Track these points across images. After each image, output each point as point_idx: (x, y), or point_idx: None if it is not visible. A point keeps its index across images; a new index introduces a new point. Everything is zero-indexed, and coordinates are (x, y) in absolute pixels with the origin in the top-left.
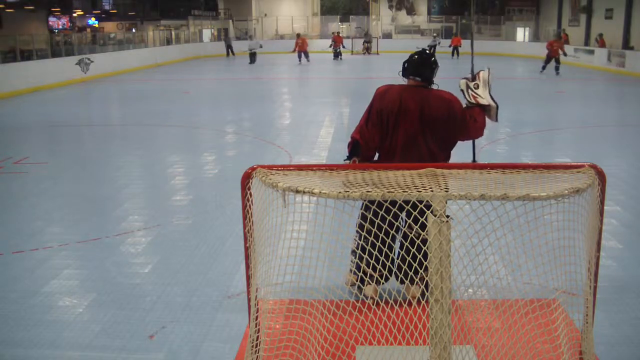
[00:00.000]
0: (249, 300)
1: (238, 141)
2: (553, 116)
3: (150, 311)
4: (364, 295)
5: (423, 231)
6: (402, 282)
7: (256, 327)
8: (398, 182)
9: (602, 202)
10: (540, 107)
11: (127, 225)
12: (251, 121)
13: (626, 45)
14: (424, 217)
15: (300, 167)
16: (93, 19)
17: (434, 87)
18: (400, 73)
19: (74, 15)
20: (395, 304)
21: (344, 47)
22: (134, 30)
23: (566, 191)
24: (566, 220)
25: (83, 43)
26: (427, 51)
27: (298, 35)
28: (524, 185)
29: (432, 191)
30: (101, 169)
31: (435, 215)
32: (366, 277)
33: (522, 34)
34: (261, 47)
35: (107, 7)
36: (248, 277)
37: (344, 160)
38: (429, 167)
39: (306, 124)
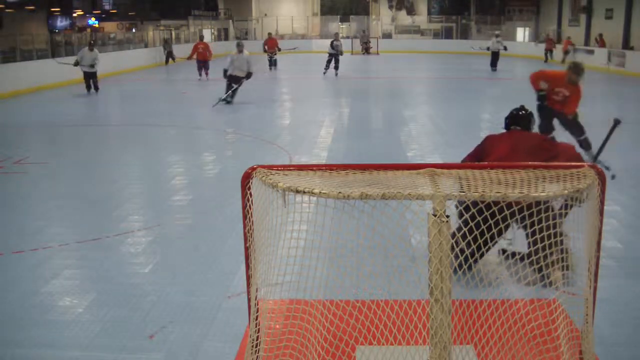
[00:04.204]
0: (249, 300)
1: (238, 141)
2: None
3: (150, 311)
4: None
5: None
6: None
7: (256, 327)
8: (398, 182)
9: (602, 202)
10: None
11: (127, 225)
12: (251, 121)
13: (626, 45)
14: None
15: (300, 167)
16: (93, 19)
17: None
18: (503, 126)
19: (74, 15)
20: (395, 304)
21: (279, 49)
22: (134, 30)
23: (566, 191)
24: (566, 220)
25: (83, 43)
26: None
27: (201, 38)
28: (524, 185)
29: (432, 191)
30: (101, 169)
31: (435, 215)
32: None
33: (522, 34)
34: (93, 66)
35: (107, 7)
36: (248, 277)
37: None
38: (429, 167)
39: (306, 123)
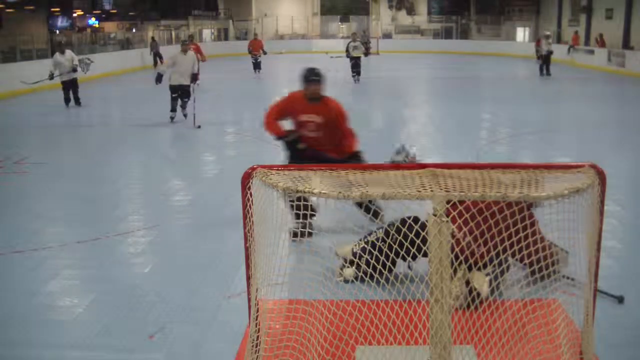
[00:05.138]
0: (249, 300)
1: (238, 141)
2: (553, 116)
3: (150, 311)
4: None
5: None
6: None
7: (256, 327)
8: (398, 183)
9: (602, 202)
10: (541, 107)
11: (127, 225)
12: (251, 121)
13: (626, 45)
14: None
15: (300, 167)
16: (93, 19)
17: None
18: None
19: (74, 15)
20: (395, 304)
21: (264, 52)
22: (134, 30)
23: (566, 191)
24: (566, 220)
25: (83, 43)
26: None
27: (190, 38)
28: (524, 185)
29: (432, 191)
30: (101, 169)
31: (435, 215)
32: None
33: (522, 34)
34: (76, 70)
35: (107, 7)
36: (248, 277)
37: None
38: (429, 167)
39: None
